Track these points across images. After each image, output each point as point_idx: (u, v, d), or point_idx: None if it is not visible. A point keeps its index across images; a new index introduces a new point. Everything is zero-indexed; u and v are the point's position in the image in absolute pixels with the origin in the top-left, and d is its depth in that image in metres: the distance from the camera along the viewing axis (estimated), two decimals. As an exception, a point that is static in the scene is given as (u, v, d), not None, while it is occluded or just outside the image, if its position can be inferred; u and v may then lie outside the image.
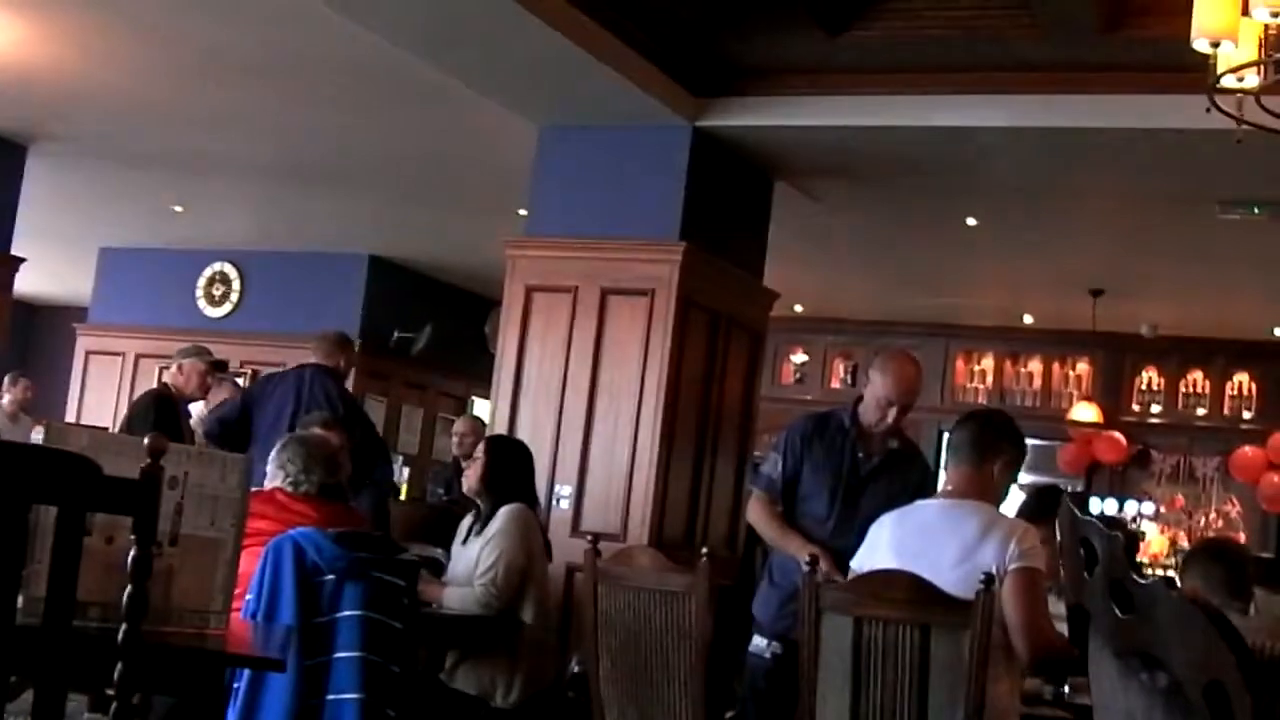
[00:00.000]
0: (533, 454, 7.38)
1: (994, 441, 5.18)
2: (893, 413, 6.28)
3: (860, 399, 6.47)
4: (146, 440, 3.01)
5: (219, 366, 10.14)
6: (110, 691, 2.98)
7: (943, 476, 5.43)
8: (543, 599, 6.81)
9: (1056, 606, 4.57)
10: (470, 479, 6.95)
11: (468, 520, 7.01)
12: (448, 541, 7.22)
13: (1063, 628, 4.12)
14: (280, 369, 14.52)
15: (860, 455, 6.38)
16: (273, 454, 5.97)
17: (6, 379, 13.79)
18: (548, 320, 9.50)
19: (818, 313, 16.17)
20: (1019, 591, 4.70)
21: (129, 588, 2.94)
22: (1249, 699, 1.95)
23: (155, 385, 11.03)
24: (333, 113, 10.35)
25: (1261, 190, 9.68)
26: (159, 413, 9.34)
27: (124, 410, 12.16)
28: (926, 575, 4.62)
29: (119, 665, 2.94)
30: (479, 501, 6.90)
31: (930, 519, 5.08)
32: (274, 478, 5.88)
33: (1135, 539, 14.43)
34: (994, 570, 4.60)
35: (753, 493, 6.78)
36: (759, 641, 6.42)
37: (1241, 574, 5.15)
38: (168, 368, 10.04)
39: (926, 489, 5.94)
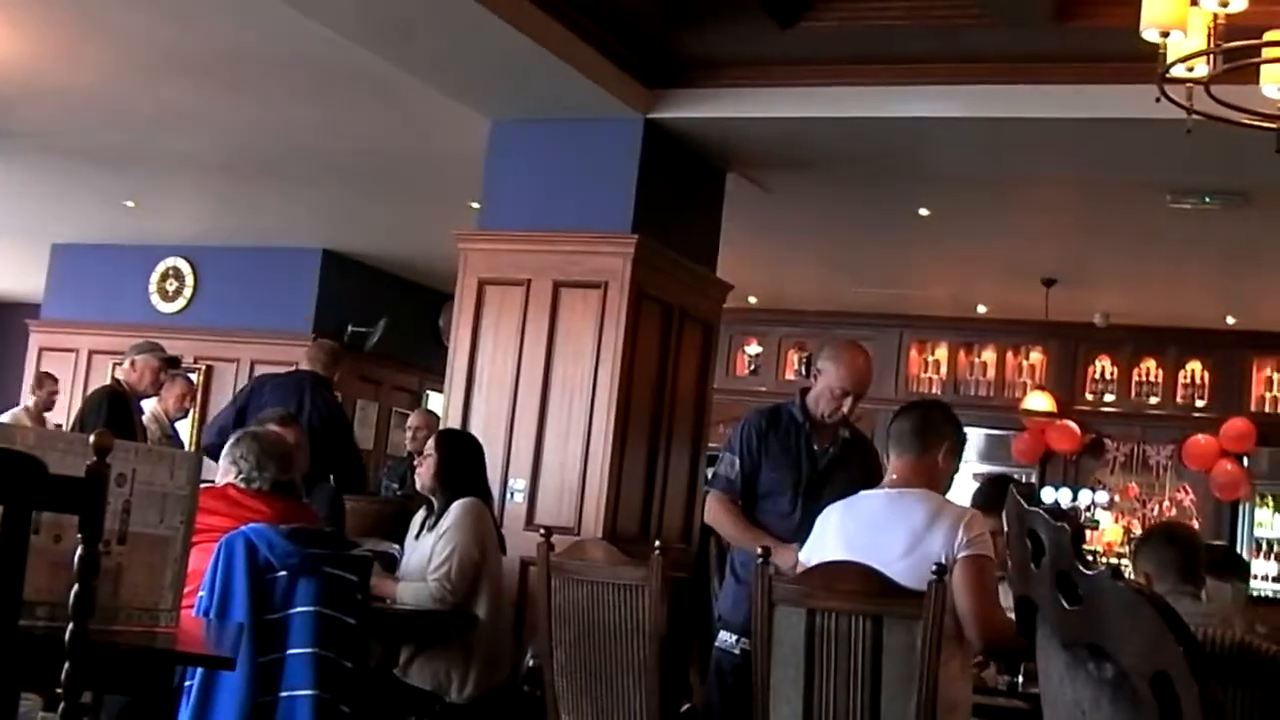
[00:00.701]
0: (484, 447, 7.38)
1: (936, 429, 5.22)
2: (848, 402, 6.30)
3: (805, 391, 6.47)
4: (92, 438, 3.00)
5: (172, 363, 10.08)
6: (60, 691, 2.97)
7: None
8: (496, 593, 6.81)
9: (1006, 597, 4.59)
10: (423, 475, 6.94)
11: (420, 515, 7.01)
12: (402, 537, 7.21)
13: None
14: (233, 361, 14.67)
15: (816, 448, 6.38)
16: (225, 449, 5.94)
17: (31, 381, 13.78)
18: (500, 313, 9.46)
19: (771, 304, 16.16)
20: (969, 580, 4.73)
21: (75, 586, 2.92)
22: (1196, 689, 1.95)
23: (108, 382, 10.95)
24: (284, 107, 10.30)
25: (1212, 179, 9.72)
26: (111, 409, 9.28)
27: (77, 407, 12.08)
28: (876, 565, 4.63)
29: (66, 665, 2.92)
30: (432, 497, 6.90)
31: (877, 509, 5.10)
32: (227, 474, 5.85)
33: (1082, 530, 14.51)
34: (943, 559, 4.62)
35: (709, 494, 6.72)
36: (726, 638, 6.39)
37: (1194, 558, 5.16)
38: (121, 364, 9.97)
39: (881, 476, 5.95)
